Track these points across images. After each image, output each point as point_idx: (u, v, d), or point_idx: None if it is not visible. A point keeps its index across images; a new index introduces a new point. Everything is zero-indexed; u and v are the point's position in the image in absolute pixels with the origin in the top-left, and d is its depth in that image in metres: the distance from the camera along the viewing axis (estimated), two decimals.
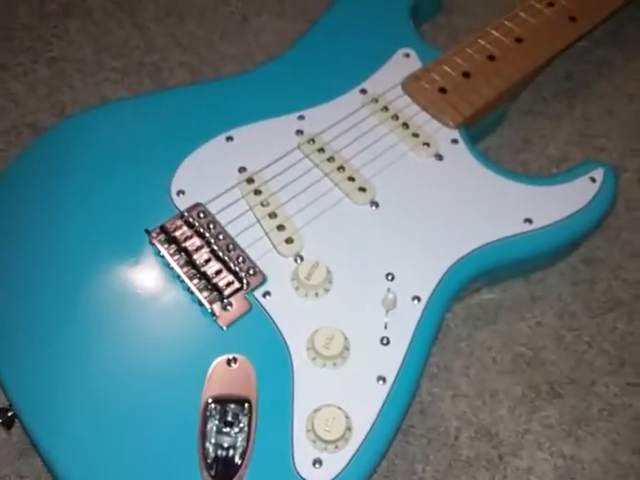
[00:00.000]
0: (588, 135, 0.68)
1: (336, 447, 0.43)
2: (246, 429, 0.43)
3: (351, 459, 0.43)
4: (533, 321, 0.57)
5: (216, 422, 0.44)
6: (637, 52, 0.74)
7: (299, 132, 0.58)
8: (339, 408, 0.44)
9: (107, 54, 0.73)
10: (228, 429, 0.43)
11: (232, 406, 0.44)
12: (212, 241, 0.51)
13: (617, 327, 0.57)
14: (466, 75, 0.62)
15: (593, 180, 0.56)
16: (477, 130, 0.62)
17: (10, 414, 0.47)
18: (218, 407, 0.44)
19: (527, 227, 0.53)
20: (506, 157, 0.66)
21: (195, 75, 0.71)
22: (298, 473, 0.42)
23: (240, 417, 0.44)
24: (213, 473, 0.42)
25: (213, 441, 0.43)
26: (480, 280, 0.54)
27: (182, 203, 0.54)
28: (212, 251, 0.51)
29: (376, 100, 0.60)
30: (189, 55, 0.73)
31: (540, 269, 0.59)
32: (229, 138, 0.57)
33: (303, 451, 0.43)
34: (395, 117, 0.59)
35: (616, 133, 0.68)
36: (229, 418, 0.44)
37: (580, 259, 0.60)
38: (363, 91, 0.61)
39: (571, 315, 0.57)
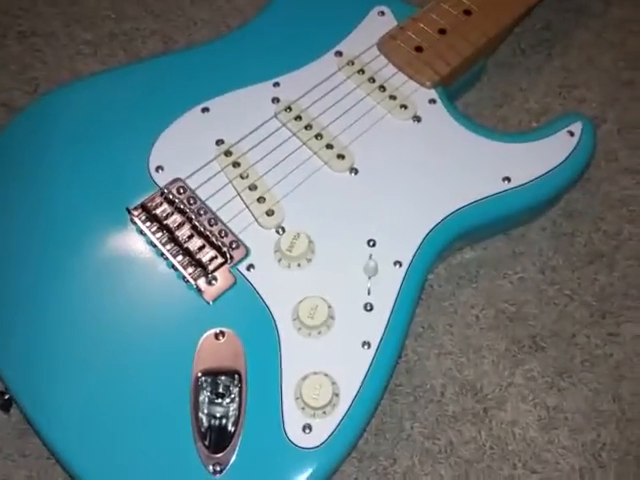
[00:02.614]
0: (568, 86, 0.68)
1: (324, 413, 0.44)
2: (237, 400, 0.45)
3: (339, 423, 0.44)
4: (515, 277, 0.58)
5: (208, 394, 0.45)
6: None
7: (275, 100, 0.57)
8: (326, 375, 0.45)
9: (78, 26, 0.71)
10: (220, 400, 0.45)
11: (222, 378, 0.45)
12: (193, 217, 0.52)
13: (598, 279, 0.58)
14: (442, 32, 0.61)
15: (571, 134, 0.56)
16: (455, 87, 0.62)
17: (7, 397, 0.48)
18: (209, 380, 0.45)
19: (506, 185, 0.54)
20: (486, 112, 0.66)
21: (168, 43, 0.70)
22: (289, 439, 0.44)
23: (231, 388, 0.45)
24: (207, 443, 0.44)
25: (206, 412, 0.45)
26: (461, 240, 0.55)
27: (161, 179, 0.54)
28: (194, 227, 0.51)
29: (352, 62, 0.59)
30: (161, 22, 0.71)
31: (521, 225, 0.60)
32: (205, 109, 0.57)
33: (293, 418, 0.44)
34: (372, 80, 0.59)
35: (595, 82, 0.68)
36: (220, 390, 0.45)
37: (560, 213, 0.61)
38: (339, 53, 0.60)
39: (552, 269, 0.58)
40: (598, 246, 0.59)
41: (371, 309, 0.48)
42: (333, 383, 0.45)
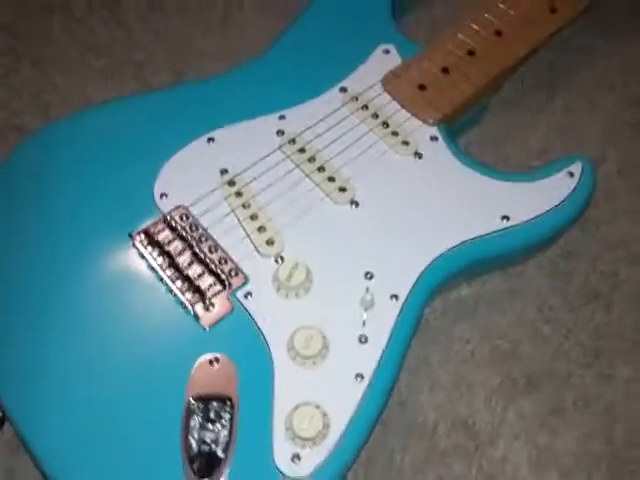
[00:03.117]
0: (569, 125, 0.69)
1: (314, 443, 0.45)
2: (228, 426, 0.45)
3: (329, 454, 0.45)
4: (512, 314, 0.58)
5: (199, 419, 0.45)
6: (619, 39, 0.74)
7: (280, 132, 0.59)
8: (317, 407, 0.45)
9: (91, 54, 0.73)
10: (211, 426, 0.45)
11: (214, 404, 0.46)
12: (194, 244, 0.52)
13: (594, 319, 0.58)
14: (445, 71, 0.62)
15: (571, 175, 0.57)
16: (458, 125, 0.63)
17: (0, 414, 0.49)
18: (201, 405, 0.46)
19: (504, 224, 0.54)
20: (488, 150, 0.67)
21: (178, 74, 0.71)
22: (277, 468, 0.44)
23: (222, 414, 0.46)
24: (196, 468, 0.44)
25: (196, 437, 0.45)
26: (459, 276, 0.55)
27: (165, 206, 0.55)
28: (194, 254, 0.52)
29: (356, 98, 0.61)
30: (172, 53, 0.73)
31: (519, 263, 0.60)
32: (210, 139, 0.58)
33: (282, 447, 0.45)
34: (375, 115, 0.60)
35: (597, 122, 0.69)
36: (212, 415, 0.45)
37: (559, 252, 0.61)
38: (343, 89, 0.61)
39: (549, 308, 0.58)
40: (595, 286, 0.60)
41: (366, 341, 0.49)
42: (324, 414, 0.45)
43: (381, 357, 0.48)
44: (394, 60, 0.64)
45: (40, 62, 0.72)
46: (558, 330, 0.57)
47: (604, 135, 0.68)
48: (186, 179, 0.56)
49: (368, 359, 0.48)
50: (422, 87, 0.61)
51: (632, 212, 0.64)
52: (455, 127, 0.62)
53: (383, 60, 0.64)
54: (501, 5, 0.66)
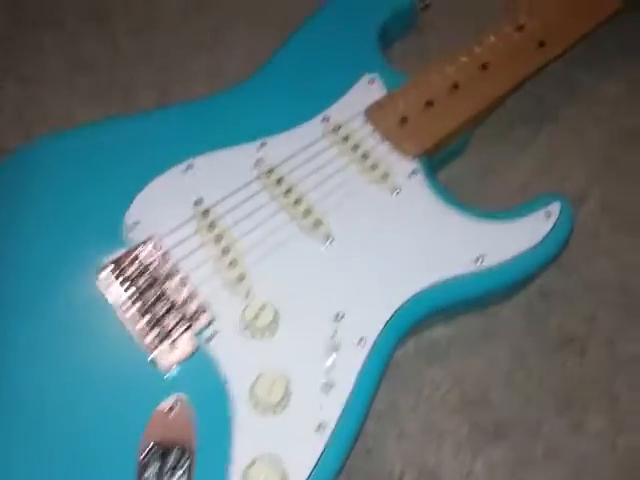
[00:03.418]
0: (553, 162, 0.68)
1: None
2: (185, 477, 0.44)
3: None
4: (484, 358, 0.57)
5: (155, 469, 0.44)
6: (605, 74, 0.73)
7: (259, 162, 0.58)
8: (275, 460, 0.44)
9: (78, 72, 0.71)
10: (167, 477, 0.44)
11: (171, 453, 0.45)
12: (162, 278, 0.51)
13: (567, 365, 0.57)
14: (429, 104, 0.61)
15: (548, 215, 0.55)
16: (439, 158, 0.62)
17: None
18: (157, 454, 0.45)
19: (478, 266, 0.53)
20: (468, 186, 0.65)
21: (165, 94, 0.70)
22: None
23: (179, 465, 0.44)
24: None
25: None
26: (431, 318, 0.54)
27: (136, 235, 0.53)
28: (162, 289, 0.51)
29: (337, 129, 0.60)
30: (160, 73, 0.71)
31: (494, 304, 0.59)
32: (189, 167, 0.57)
33: None
34: (355, 147, 0.59)
35: (581, 160, 0.68)
36: (168, 465, 0.44)
37: (536, 292, 0.60)
38: (325, 119, 0.60)
39: (523, 352, 0.57)
40: (571, 330, 0.59)
41: (330, 389, 0.48)
42: (283, 468, 0.44)
43: (345, 406, 0.47)
44: (379, 90, 0.62)
45: (25, 79, 0.70)
46: (531, 376, 0.56)
47: (588, 173, 0.67)
48: (160, 208, 0.55)
49: (331, 409, 0.47)
50: (404, 120, 0.60)
51: (612, 254, 0.63)
52: (437, 159, 0.61)
53: (367, 90, 0.62)
54: (491, 37, 0.65)
